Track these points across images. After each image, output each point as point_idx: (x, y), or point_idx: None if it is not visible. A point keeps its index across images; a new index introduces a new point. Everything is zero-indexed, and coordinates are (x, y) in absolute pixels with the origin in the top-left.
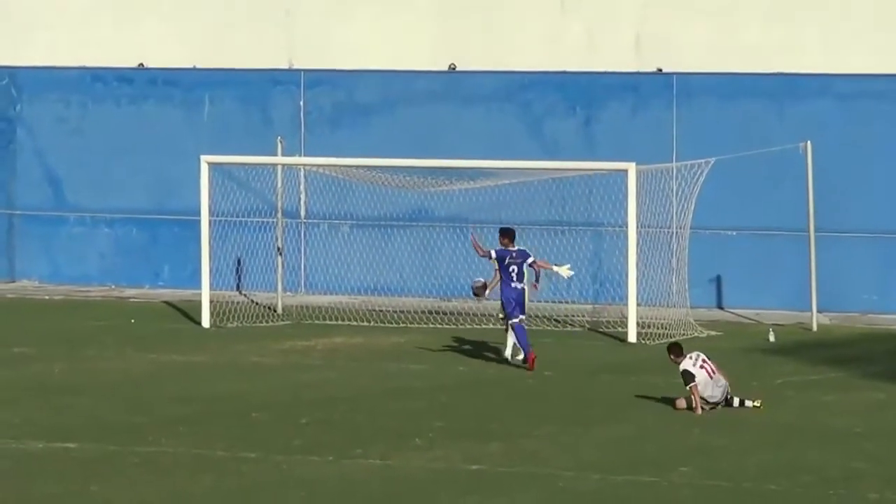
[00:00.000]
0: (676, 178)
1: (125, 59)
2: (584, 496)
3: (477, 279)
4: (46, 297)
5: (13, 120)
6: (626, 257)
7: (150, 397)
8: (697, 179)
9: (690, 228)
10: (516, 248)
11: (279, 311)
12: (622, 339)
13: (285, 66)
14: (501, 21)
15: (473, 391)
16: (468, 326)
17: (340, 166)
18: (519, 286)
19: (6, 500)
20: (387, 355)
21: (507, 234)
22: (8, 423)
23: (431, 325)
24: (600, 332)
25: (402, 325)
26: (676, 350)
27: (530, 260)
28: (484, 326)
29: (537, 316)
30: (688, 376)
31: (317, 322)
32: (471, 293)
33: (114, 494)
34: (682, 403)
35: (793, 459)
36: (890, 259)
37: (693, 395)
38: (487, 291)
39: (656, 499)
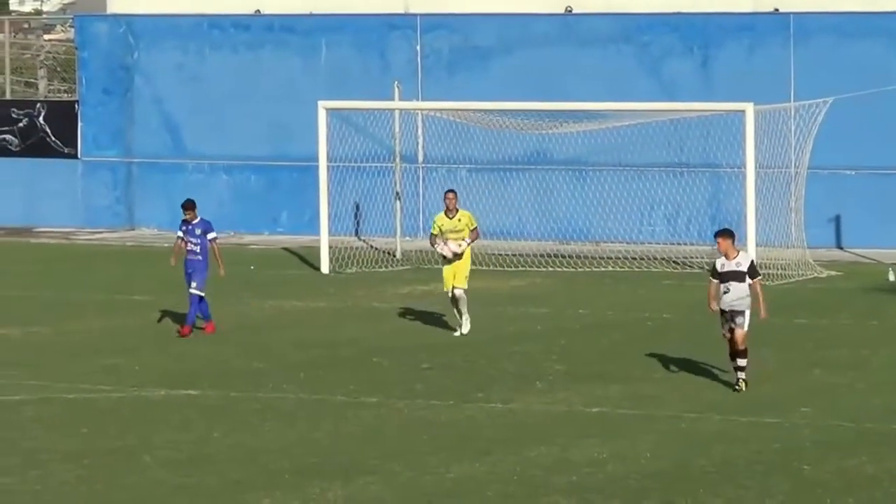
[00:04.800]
0: (794, 118)
1: (242, 5)
2: (705, 438)
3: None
4: (165, 245)
5: (131, 68)
6: (744, 198)
7: (270, 343)
8: (815, 119)
9: (808, 168)
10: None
11: (398, 255)
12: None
13: (402, 11)
14: None
15: (593, 334)
16: (587, 269)
17: (458, 110)
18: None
19: (130, 447)
20: (506, 299)
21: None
22: (130, 371)
23: (550, 269)
24: None
25: (520, 268)
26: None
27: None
28: (603, 269)
29: (656, 258)
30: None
31: (435, 267)
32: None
33: (235, 440)
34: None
35: None
36: None
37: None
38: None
39: (778, 439)
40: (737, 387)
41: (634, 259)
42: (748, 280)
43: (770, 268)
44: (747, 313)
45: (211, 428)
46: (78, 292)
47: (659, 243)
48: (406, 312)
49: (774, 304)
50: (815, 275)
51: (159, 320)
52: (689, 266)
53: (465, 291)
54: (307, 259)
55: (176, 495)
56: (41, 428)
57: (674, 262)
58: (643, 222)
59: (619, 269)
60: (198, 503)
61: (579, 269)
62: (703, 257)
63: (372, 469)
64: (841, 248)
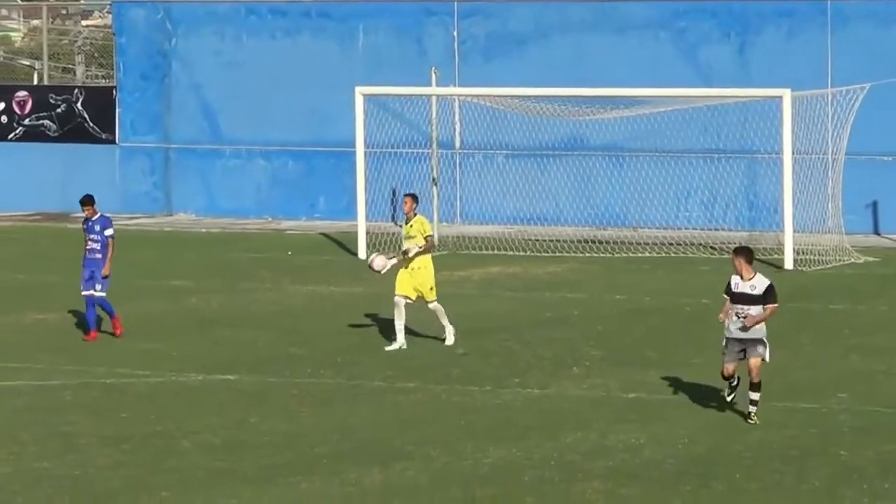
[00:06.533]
0: (832, 104)
1: None
2: (742, 423)
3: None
4: (203, 230)
5: (168, 54)
6: (781, 184)
7: (307, 329)
8: (853, 105)
9: (846, 154)
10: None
11: (435, 241)
12: (778, 265)
13: None
14: None
15: (630, 319)
16: (624, 255)
17: (495, 96)
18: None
19: (168, 432)
20: (543, 285)
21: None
22: (167, 356)
23: (587, 255)
24: (757, 260)
25: (557, 254)
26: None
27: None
28: (640, 255)
29: (693, 244)
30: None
31: (472, 252)
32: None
33: (273, 426)
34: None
35: None
36: None
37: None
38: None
39: (815, 424)
40: (750, 419)
41: (672, 245)
42: (762, 306)
43: (807, 253)
44: (765, 342)
45: (248, 413)
46: (115, 277)
47: (696, 229)
48: (442, 298)
49: (811, 290)
50: (853, 260)
51: (197, 306)
52: (727, 252)
53: (437, 302)
54: (344, 244)
55: (213, 480)
56: (80, 413)
57: (711, 247)
58: (680, 208)
59: (656, 254)
60: (235, 488)
61: (616, 255)
62: (739, 243)
63: (409, 454)
64: (878, 234)
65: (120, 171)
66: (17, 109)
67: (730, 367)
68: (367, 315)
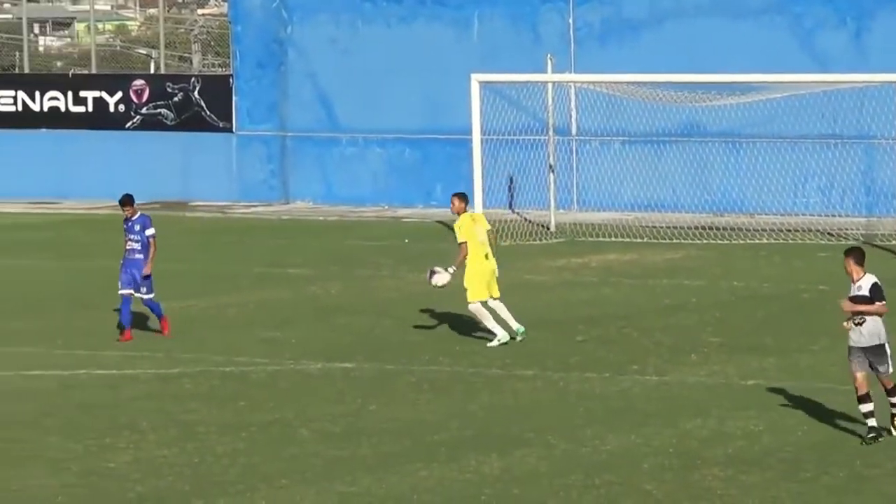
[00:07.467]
0: None
1: None
2: None
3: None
4: (320, 218)
5: (284, 42)
6: None
7: (425, 316)
8: None
9: None
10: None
11: (552, 228)
12: None
13: None
14: None
15: (748, 306)
16: (741, 241)
17: (610, 83)
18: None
19: (286, 420)
20: (661, 271)
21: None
22: (286, 344)
23: (705, 241)
24: (875, 246)
25: (675, 241)
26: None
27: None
28: (758, 241)
29: (810, 230)
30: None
31: (590, 239)
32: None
33: (391, 413)
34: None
35: None
36: None
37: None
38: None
39: None
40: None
41: (789, 231)
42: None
43: None
44: (888, 349)
45: (366, 401)
46: (233, 266)
47: (813, 215)
48: (560, 285)
49: None
50: None
51: (315, 293)
52: (844, 238)
53: (475, 304)
54: None
55: (331, 468)
56: (199, 401)
57: (828, 233)
58: (797, 194)
59: (773, 240)
60: (354, 476)
61: (734, 241)
62: (857, 229)
63: (528, 441)
64: None
65: (237, 159)
66: (134, 98)
67: (858, 376)
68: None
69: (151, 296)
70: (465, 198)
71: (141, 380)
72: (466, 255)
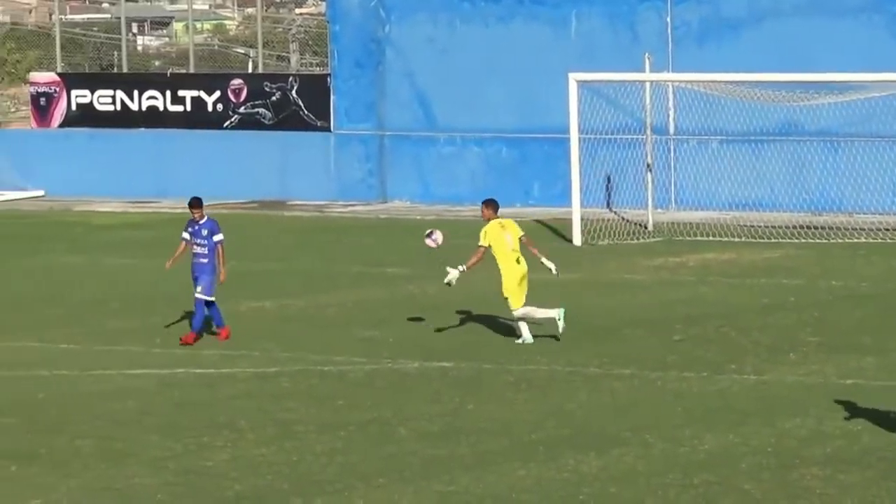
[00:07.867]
0: None
1: None
2: None
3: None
4: (418, 217)
5: (382, 41)
6: None
7: None
8: None
9: None
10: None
11: (650, 227)
12: None
13: None
14: None
15: (847, 305)
16: (840, 241)
17: (708, 82)
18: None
19: (384, 419)
20: (759, 270)
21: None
22: (383, 343)
23: (803, 240)
24: None
25: (773, 240)
26: None
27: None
28: (856, 240)
29: (889, 229)
30: None
31: (687, 238)
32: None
33: (489, 412)
34: None
35: None
36: None
37: None
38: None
39: None
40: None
41: (888, 230)
42: None
43: None
44: None
45: (464, 400)
46: (331, 265)
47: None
48: (657, 284)
49: None
50: None
51: (413, 293)
52: None
53: (519, 310)
54: (559, 231)
55: (429, 467)
56: (297, 400)
57: None
58: (895, 193)
59: (872, 240)
60: (452, 475)
61: (832, 241)
62: None
63: (626, 441)
64: None
65: (335, 158)
66: (232, 98)
67: None
68: (582, 301)
69: (208, 297)
70: (493, 205)
71: (239, 378)
72: (480, 259)
